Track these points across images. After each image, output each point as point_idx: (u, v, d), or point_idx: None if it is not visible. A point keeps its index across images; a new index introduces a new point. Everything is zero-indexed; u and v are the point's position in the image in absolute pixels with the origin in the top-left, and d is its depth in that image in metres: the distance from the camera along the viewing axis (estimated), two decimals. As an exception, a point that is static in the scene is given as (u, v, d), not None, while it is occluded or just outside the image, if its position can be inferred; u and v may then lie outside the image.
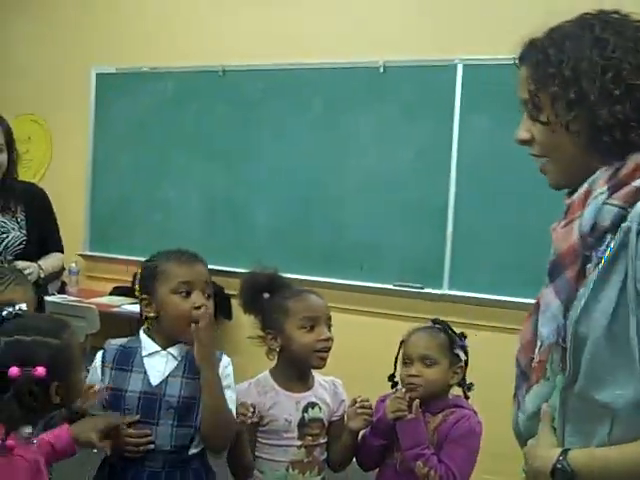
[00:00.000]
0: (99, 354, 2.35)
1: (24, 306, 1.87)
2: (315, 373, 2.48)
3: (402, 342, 2.49)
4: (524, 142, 1.58)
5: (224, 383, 2.25)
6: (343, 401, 2.45)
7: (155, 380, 2.25)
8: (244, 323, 5.34)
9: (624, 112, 1.41)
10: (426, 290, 4.71)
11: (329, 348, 2.38)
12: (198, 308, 2.23)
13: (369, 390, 2.49)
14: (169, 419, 2.22)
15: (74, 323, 5.14)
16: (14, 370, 1.70)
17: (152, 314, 2.29)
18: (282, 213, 5.10)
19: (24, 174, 6.38)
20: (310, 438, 2.37)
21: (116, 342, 2.36)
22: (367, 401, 2.38)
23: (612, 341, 1.36)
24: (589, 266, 1.44)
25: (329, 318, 2.42)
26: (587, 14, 1.51)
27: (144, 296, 2.32)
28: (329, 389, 2.46)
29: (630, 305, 1.34)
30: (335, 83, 5.17)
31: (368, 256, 4.91)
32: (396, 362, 2.49)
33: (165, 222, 5.79)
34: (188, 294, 2.26)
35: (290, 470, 2.34)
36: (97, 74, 6.05)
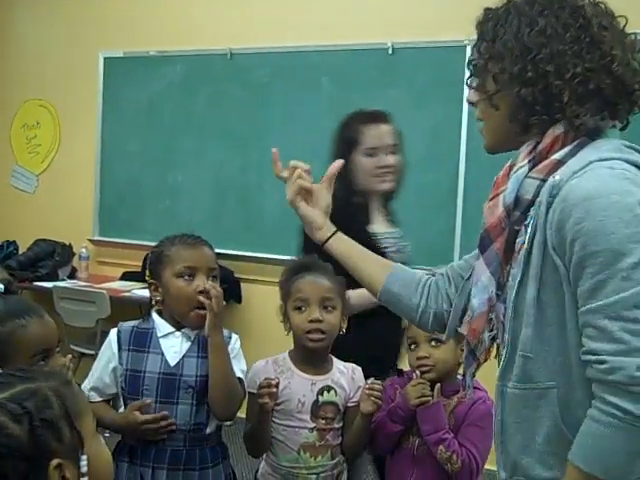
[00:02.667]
0: (114, 334, 2.37)
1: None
2: (335, 359, 2.47)
3: (405, 328, 2.48)
4: (472, 104, 1.63)
5: (231, 355, 2.29)
6: (360, 387, 2.42)
7: (172, 360, 2.29)
8: (253, 306, 5.39)
9: (533, 95, 1.47)
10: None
11: (320, 329, 2.36)
12: (201, 292, 2.24)
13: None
14: (188, 398, 2.27)
15: (85, 308, 5.19)
16: None
17: (159, 298, 2.33)
18: (291, 197, 5.09)
19: (33, 159, 6.47)
20: (323, 421, 2.36)
21: (129, 324, 2.39)
22: (378, 384, 2.37)
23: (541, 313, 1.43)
24: (518, 240, 1.50)
25: (325, 299, 2.38)
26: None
27: (151, 280, 2.37)
28: (347, 374, 2.45)
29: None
30: (344, 65, 5.14)
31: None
32: (400, 348, 2.50)
33: (174, 206, 5.78)
34: (192, 278, 2.28)
35: (301, 453, 2.34)
36: (105, 58, 6.03)
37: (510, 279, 1.52)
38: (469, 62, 1.59)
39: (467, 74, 1.64)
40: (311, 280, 2.40)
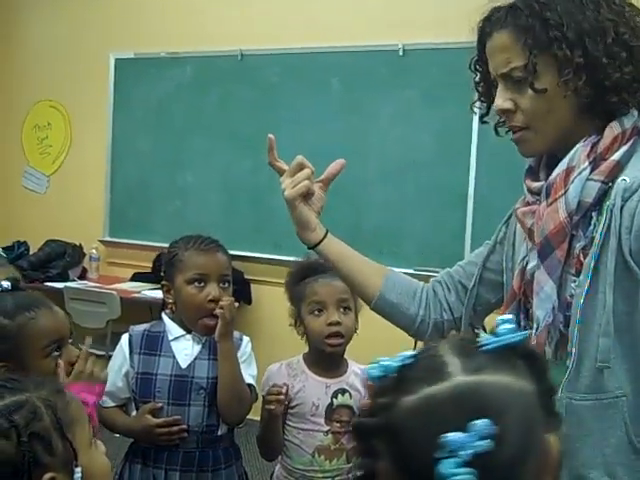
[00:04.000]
0: (125, 339, 2.38)
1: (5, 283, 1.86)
2: (351, 361, 2.46)
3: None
4: (505, 112, 1.52)
5: (242, 359, 2.30)
6: None
7: (184, 363, 2.31)
8: (264, 307, 5.39)
9: (632, 73, 1.40)
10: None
11: (339, 333, 2.33)
12: (212, 301, 2.25)
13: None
14: (200, 400, 2.28)
15: (96, 309, 5.19)
16: None
17: (171, 300, 2.35)
18: (301, 198, 5.08)
19: (43, 160, 6.48)
20: (338, 425, 2.34)
21: (139, 327, 2.40)
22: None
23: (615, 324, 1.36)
24: (577, 245, 1.44)
25: (341, 300, 2.35)
26: None
27: (164, 282, 2.38)
28: (362, 377, 2.43)
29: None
30: (354, 66, 5.13)
31: (388, 240, 4.90)
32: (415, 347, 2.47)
33: (184, 207, 5.79)
34: (203, 284, 2.28)
35: (316, 456, 2.33)
36: (116, 59, 6.04)
37: (572, 286, 1.45)
38: (530, 62, 1.43)
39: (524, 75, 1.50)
40: (326, 282, 2.37)
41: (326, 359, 2.39)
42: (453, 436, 0.81)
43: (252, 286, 5.50)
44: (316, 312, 2.35)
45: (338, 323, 2.32)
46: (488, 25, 1.51)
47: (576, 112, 1.45)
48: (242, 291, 5.43)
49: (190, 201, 5.79)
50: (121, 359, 2.34)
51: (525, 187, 1.57)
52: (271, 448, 2.38)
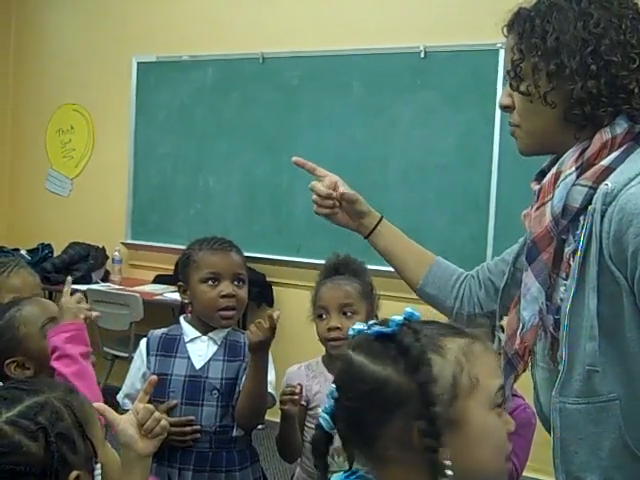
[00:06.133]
0: (143, 342, 2.42)
1: None
2: None
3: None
4: (505, 108, 1.59)
5: None
6: None
7: (198, 364, 2.33)
8: (286, 310, 5.38)
9: (598, 87, 1.42)
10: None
11: (339, 337, 2.32)
12: (225, 297, 2.30)
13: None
14: (213, 400, 2.30)
15: (119, 311, 5.22)
16: None
17: (187, 300, 2.41)
18: (323, 200, 5.08)
19: (67, 164, 6.53)
20: None
21: (158, 331, 2.44)
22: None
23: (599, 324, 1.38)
24: (567, 249, 1.46)
25: (345, 305, 2.35)
26: None
27: (180, 283, 2.43)
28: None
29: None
30: (375, 69, 5.13)
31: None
32: None
33: (206, 210, 5.81)
34: (217, 283, 2.33)
35: (335, 457, 2.33)
36: (138, 63, 6.08)
37: (562, 290, 1.47)
38: (513, 63, 1.52)
39: (503, 77, 1.60)
40: (331, 286, 2.39)
41: None
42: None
43: (274, 288, 5.51)
44: (322, 316, 2.37)
45: (337, 328, 2.32)
46: (506, 30, 1.59)
47: (560, 119, 1.48)
48: (264, 293, 5.45)
49: (211, 203, 5.81)
50: (139, 362, 2.38)
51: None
52: (289, 449, 2.38)
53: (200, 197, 5.85)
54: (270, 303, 5.46)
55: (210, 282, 2.32)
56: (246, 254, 5.01)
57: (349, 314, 2.36)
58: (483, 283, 1.82)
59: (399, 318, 1.14)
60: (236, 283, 2.35)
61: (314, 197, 1.91)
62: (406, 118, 5.03)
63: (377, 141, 5.11)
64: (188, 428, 2.27)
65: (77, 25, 6.48)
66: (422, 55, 4.93)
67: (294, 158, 1.99)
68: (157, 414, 1.58)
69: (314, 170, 1.98)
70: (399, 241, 1.96)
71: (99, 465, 1.21)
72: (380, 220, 1.95)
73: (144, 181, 6.11)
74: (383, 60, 5.09)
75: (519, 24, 1.53)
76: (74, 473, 1.16)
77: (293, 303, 5.15)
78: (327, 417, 1.19)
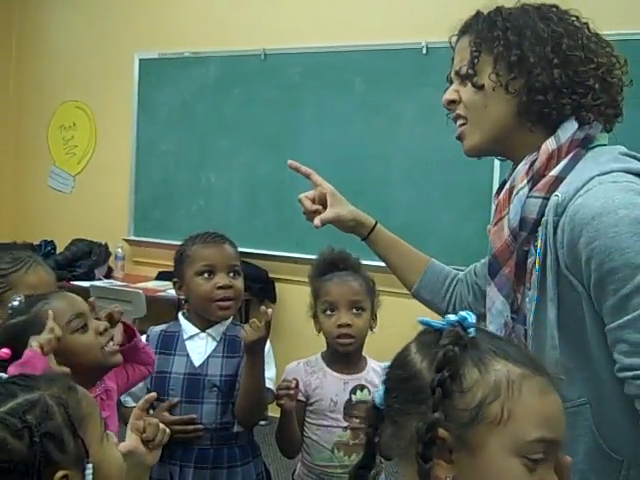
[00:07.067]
0: (143, 340, 2.39)
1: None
2: (370, 358, 2.47)
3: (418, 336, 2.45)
4: (450, 102, 1.62)
5: None
6: None
7: (197, 361, 2.33)
8: (288, 306, 5.40)
9: (560, 77, 1.46)
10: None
11: (349, 334, 2.34)
12: (221, 288, 2.30)
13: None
14: (213, 397, 2.30)
15: (122, 307, 5.23)
16: None
17: (183, 296, 2.40)
18: (325, 197, 5.07)
19: (69, 160, 6.54)
20: (357, 420, 2.34)
21: (157, 328, 2.44)
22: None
23: (563, 332, 1.40)
24: (530, 260, 1.48)
25: (354, 302, 2.36)
26: (530, 4, 1.59)
27: (175, 279, 2.43)
28: (382, 374, 2.43)
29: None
30: (377, 65, 5.13)
31: (413, 239, 4.79)
32: None
33: (208, 206, 5.82)
34: (212, 275, 2.33)
35: (335, 452, 2.34)
36: (140, 59, 6.09)
37: (527, 301, 1.49)
38: (471, 55, 1.55)
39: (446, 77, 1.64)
40: (339, 282, 2.38)
41: (343, 356, 2.40)
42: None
43: (277, 285, 5.52)
44: (328, 312, 2.36)
45: (348, 325, 2.33)
46: (458, 34, 1.65)
47: (512, 113, 1.52)
48: (267, 289, 5.46)
49: (213, 200, 5.82)
50: None
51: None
52: (289, 445, 2.39)
53: (202, 194, 5.85)
54: (272, 299, 5.47)
55: (205, 275, 2.32)
56: (248, 250, 5.02)
57: (358, 311, 2.36)
58: (471, 287, 1.85)
59: (453, 317, 1.09)
60: (231, 275, 2.35)
61: (303, 209, 1.96)
62: (408, 115, 5.03)
63: (379, 138, 5.11)
64: (190, 427, 2.27)
65: (79, 22, 6.49)
66: (424, 51, 4.93)
67: (289, 161, 2.01)
68: (161, 425, 1.58)
69: (309, 175, 2.00)
70: (393, 247, 1.98)
71: (90, 465, 1.19)
72: (373, 228, 1.96)
73: (146, 178, 6.12)
74: (385, 57, 5.09)
75: (477, 23, 1.58)
76: (60, 473, 1.15)
77: (295, 299, 5.16)
78: (381, 393, 1.15)
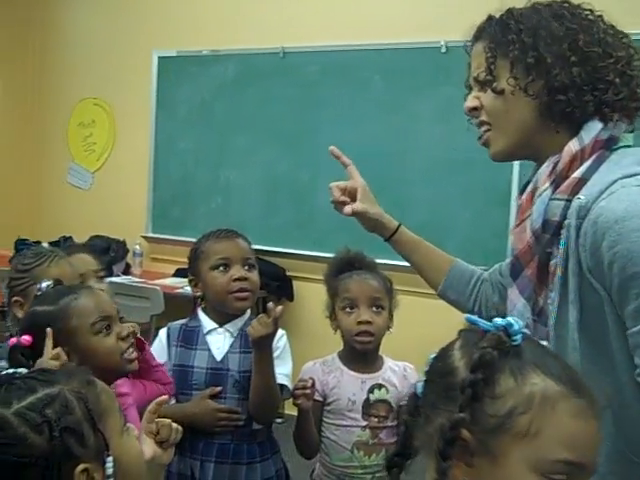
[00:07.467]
0: (164, 333, 2.44)
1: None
2: (386, 357, 2.46)
3: (461, 331, 2.44)
4: (472, 110, 1.61)
5: (275, 354, 2.29)
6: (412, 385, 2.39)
7: (218, 356, 2.34)
8: (306, 304, 5.40)
9: (580, 74, 1.45)
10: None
11: (368, 332, 2.34)
12: (237, 280, 2.31)
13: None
14: (235, 393, 2.31)
15: (139, 304, 5.23)
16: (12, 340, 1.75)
17: (199, 293, 2.41)
18: (343, 195, 5.07)
19: (88, 158, 6.56)
20: (376, 420, 2.34)
21: (177, 323, 2.46)
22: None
23: (585, 335, 1.39)
24: (552, 262, 1.47)
25: (374, 299, 2.36)
26: (540, 3, 1.57)
27: (191, 277, 2.44)
28: (399, 373, 2.42)
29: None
30: (396, 64, 5.12)
31: (431, 238, 4.80)
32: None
33: (226, 204, 5.83)
34: (227, 269, 2.34)
35: (355, 451, 2.33)
36: (159, 57, 6.10)
37: (549, 302, 1.49)
38: (487, 62, 1.55)
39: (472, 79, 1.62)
40: (360, 279, 2.38)
41: (360, 355, 2.39)
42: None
43: (294, 283, 5.52)
44: (348, 309, 2.35)
45: (368, 322, 2.32)
46: (472, 40, 1.65)
47: (535, 115, 1.51)
48: (284, 287, 5.46)
49: (232, 198, 5.82)
50: (159, 351, 2.37)
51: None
52: (307, 445, 2.39)
53: (220, 191, 5.86)
54: (290, 297, 5.48)
55: (221, 268, 2.33)
56: (266, 248, 5.02)
57: (378, 309, 2.36)
58: (496, 287, 1.84)
59: (500, 322, 1.08)
60: (246, 268, 2.36)
61: (331, 199, 1.96)
62: (427, 113, 5.02)
63: (397, 137, 5.11)
64: (235, 415, 2.29)
65: (98, 19, 6.51)
66: (443, 50, 4.92)
67: (331, 148, 2.03)
68: (174, 425, 1.59)
69: (347, 165, 2.02)
70: (417, 248, 1.98)
71: (111, 459, 1.21)
72: (396, 230, 1.96)
73: (165, 175, 6.14)
74: (404, 55, 5.08)
75: (490, 27, 1.58)
76: (81, 466, 1.16)
77: (313, 297, 5.16)
78: (423, 382, 1.15)
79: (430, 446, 1.06)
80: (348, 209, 1.91)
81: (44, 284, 1.92)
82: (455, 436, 1.01)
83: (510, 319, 1.07)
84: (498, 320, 1.08)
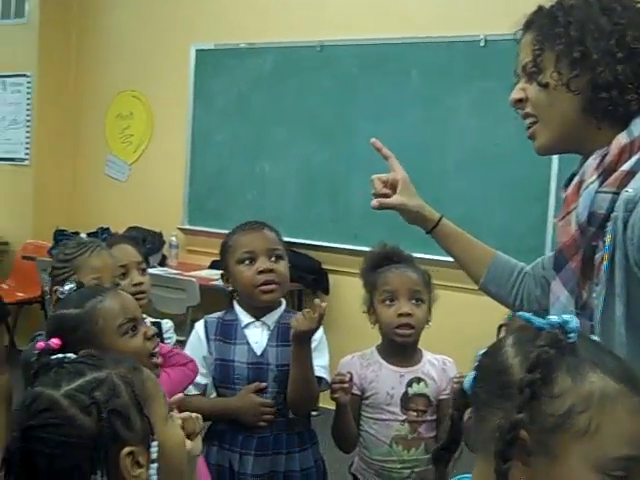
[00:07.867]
0: (201, 325, 2.43)
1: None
2: (425, 351, 2.45)
3: (501, 326, 2.42)
4: (518, 101, 1.60)
5: (312, 346, 2.28)
6: (452, 379, 2.37)
7: (258, 350, 2.34)
8: (341, 298, 5.40)
9: (625, 73, 1.43)
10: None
11: (409, 324, 2.33)
12: (262, 272, 2.30)
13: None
14: (275, 387, 2.31)
15: (176, 295, 5.25)
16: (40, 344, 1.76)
17: (230, 288, 2.41)
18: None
19: (125, 149, 6.61)
20: (414, 414, 2.33)
21: (214, 316, 2.45)
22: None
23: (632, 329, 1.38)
24: (597, 256, 1.45)
25: (414, 292, 2.36)
26: None
27: (222, 272, 2.44)
28: (438, 366, 2.41)
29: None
30: (435, 57, 5.10)
31: (468, 232, 4.82)
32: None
33: (262, 197, 5.84)
34: (253, 262, 2.33)
35: (394, 446, 2.32)
36: (196, 50, 6.13)
37: (594, 296, 1.47)
38: (533, 54, 1.53)
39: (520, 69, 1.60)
40: (399, 272, 2.38)
41: (399, 348, 2.38)
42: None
43: (330, 276, 5.52)
44: (387, 302, 2.35)
45: (409, 314, 2.32)
46: (522, 30, 1.63)
47: (578, 110, 1.50)
48: (320, 281, 5.46)
49: (268, 191, 5.83)
50: (197, 345, 2.38)
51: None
52: (345, 439, 2.38)
53: (256, 184, 5.87)
54: (325, 291, 5.48)
55: (247, 262, 2.33)
56: (302, 241, 5.02)
57: (417, 302, 2.35)
58: (538, 281, 1.83)
59: (555, 319, 1.06)
60: (273, 259, 2.35)
61: (373, 191, 1.96)
62: (465, 107, 4.99)
63: (435, 131, 5.09)
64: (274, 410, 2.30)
65: (136, 13, 6.54)
66: (482, 44, 4.88)
67: (372, 140, 2.03)
68: (193, 415, 1.60)
69: (388, 157, 2.01)
70: (458, 241, 1.97)
71: (156, 443, 1.23)
72: (438, 222, 1.96)
73: (201, 167, 6.16)
74: (443, 49, 5.05)
75: (539, 18, 1.56)
76: (127, 449, 1.19)
77: (349, 291, 5.16)
78: (471, 378, 1.13)
79: (484, 446, 1.05)
80: (375, 203, 1.92)
81: (67, 287, 1.93)
82: (515, 437, 1.00)
83: (565, 316, 1.06)
84: (553, 318, 1.06)
